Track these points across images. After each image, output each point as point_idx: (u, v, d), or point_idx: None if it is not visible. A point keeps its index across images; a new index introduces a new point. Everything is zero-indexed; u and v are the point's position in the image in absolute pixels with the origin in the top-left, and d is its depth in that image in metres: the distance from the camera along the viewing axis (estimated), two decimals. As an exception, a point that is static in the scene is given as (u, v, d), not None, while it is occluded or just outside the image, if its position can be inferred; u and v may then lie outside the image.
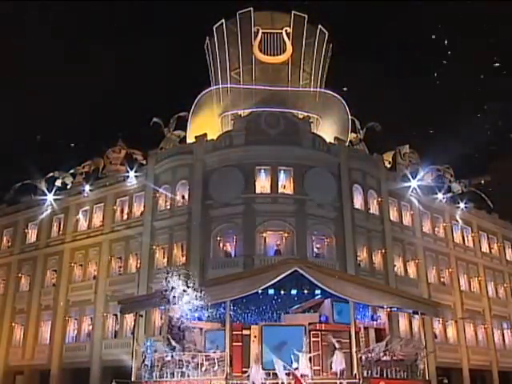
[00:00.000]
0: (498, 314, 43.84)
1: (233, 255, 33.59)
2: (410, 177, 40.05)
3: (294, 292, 25.34)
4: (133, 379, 22.70)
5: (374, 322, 25.46)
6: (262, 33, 40.34)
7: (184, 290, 21.50)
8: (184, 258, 34.38)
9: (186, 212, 34.98)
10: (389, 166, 41.54)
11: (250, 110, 37.68)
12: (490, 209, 46.55)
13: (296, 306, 25.61)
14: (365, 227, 36.32)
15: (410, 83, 57.88)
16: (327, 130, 39.08)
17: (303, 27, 40.56)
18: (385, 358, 22.32)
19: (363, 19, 75.08)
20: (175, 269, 23.33)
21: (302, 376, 20.16)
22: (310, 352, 21.22)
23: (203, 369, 21.27)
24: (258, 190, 34.55)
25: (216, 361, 21.14)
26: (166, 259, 35.18)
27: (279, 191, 34.59)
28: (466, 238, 44.52)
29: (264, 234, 33.32)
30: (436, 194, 41.47)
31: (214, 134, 37.00)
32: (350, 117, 40.72)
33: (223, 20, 40.58)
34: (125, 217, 38.81)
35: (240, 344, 22.54)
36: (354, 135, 41.47)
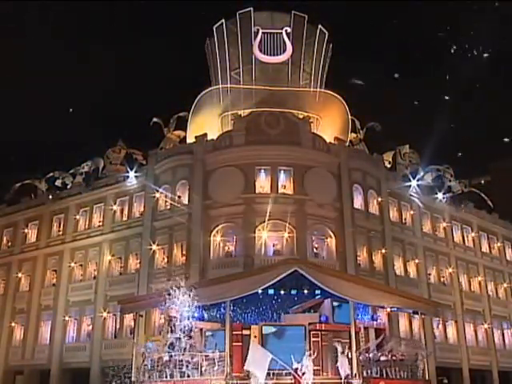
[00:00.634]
0: (497, 314, 43.84)
1: (233, 255, 33.60)
2: (410, 177, 40.08)
3: (293, 292, 25.39)
4: (133, 379, 22.71)
5: (374, 322, 25.50)
6: (262, 33, 40.30)
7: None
8: (184, 258, 34.38)
9: (185, 212, 34.96)
10: (389, 165, 41.56)
11: (250, 110, 37.66)
12: (490, 209, 46.58)
13: (296, 306, 25.64)
14: (365, 227, 36.31)
15: (409, 83, 57.86)
16: (327, 130, 39.06)
17: (303, 27, 40.55)
18: (384, 358, 22.36)
19: (363, 19, 75.06)
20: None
21: (302, 375, 20.17)
22: (311, 354, 21.15)
23: (203, 369, 21.29)
24: (257, 190, 34.54)
25: (216, 361, 21.16)
26: (166, 259, 35.21)
27: (279, 191, 34.57)
28: (465, 238, 44.52)
29: (264, 234, 33.33)
30: (436, 193, 41.48)
31: (214, 134, 37.00)
32: (349, 117, 40.70)
33: (223, 20, 40.54)
34: (125, 217, 38.80)
35: (240, 344, 22.55)
36: (353, 135, 41.47)
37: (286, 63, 40.18)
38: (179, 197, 35.81)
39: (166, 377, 21.66)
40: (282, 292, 25.46)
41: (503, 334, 43.90)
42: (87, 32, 78.98)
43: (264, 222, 33.24)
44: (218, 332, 23.24)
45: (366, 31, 76.58)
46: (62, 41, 66.08)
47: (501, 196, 49.76)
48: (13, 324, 40.95)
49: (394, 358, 22.65)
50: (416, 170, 41.27)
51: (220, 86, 39.92)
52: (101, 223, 39.56)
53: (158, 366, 22.01)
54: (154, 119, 41.02)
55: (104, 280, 37.33)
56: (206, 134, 36.76)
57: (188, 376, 21.29)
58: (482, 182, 48.97)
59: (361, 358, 21.49)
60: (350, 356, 21.39)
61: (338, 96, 40.67)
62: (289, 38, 40.33)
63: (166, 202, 36.52)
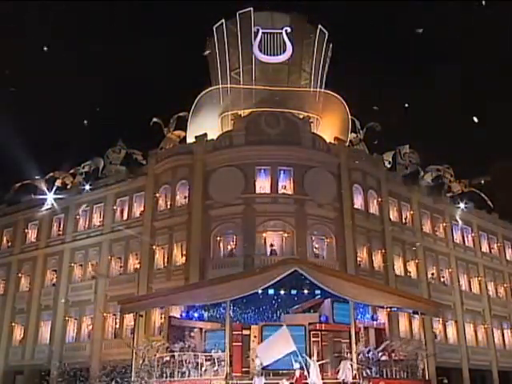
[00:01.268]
0: (497, 314, 43.82)
1: (233, 255, 33.59)
2: (410, 177, 40.09)
3: (294, 292, 25.41)
4: (133, 379, 22.72)
5: (374, 322, 25.52)
6: (262, 33, 40.27)
7: None
8: (184, 258, 34.38)
9: (185, 212, 34.96)
10: (389, 166, 41.55)
11: (250, 110, 37.66)
12: (490, 209, 46.56)
13: (296, 306, 25.66)
14: (365, 227, 36.30)
15: (410, 83, 57.89)
16: (327, 130, 39.06)
17: (303, 27, 40.54)
18: (384, 358, 22.36)
19: (363, 19, 75.05)
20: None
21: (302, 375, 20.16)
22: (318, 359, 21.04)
23: (203, 369, 21.31)
24: (257, 190, 34.53)
25: (216, 361, 21.17)
26: (166, 259, 35.21)
27: (279, 191, 34.56)
28: (465, 238, 44.49)
29: (264, 234, 33.31)
30: (436, 194, 41.45)
31: (214, 134, 36.99)
32: (349, 117, 40.70)
33: (223, 20, 40.50)
34: (125, 217, 38.80)
35: (240, 344, 22.57)
36: (353, 135, 41.44)
37: (286, 63, 40.15)
38: (183, 197, 35.66)
39: (166, 377, 21.67)
40: (282, 292, 25.47)
41: (503, 334, 43.85)
42: (87, 32, 78.98)
43: (264, 222, 33.27)
44: (218, 332, 23.25)
45: (366, 31, 76.60)
46: (61, 41, 66.03)
47: (501, 196, 49.70)
48: (13, 324, 40.97)
49: (394, 357, 22.66)
50: (416, 170, 41.35)
51: (220, 86, 39.90)
52: (101, 223, 39.57)
53: (157, 365, 22.02)
54: (154, 119, 40.98)
55: (104, 280, 37.33)
56: (205, 134, 36.76)
57: (188, 376, 21.29)
58: (482, 182, 48.84)
59: (360, 357, 21.47)
60: (352, 361, 21.21)
61: (338, 96, 40.65)
62: (289, 38, 40.28)
63: (166, 201, 36.54)
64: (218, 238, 33.94)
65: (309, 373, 20.02)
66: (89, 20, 76.92)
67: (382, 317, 28.01)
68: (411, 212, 40.40)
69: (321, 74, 41.43)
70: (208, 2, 68.26)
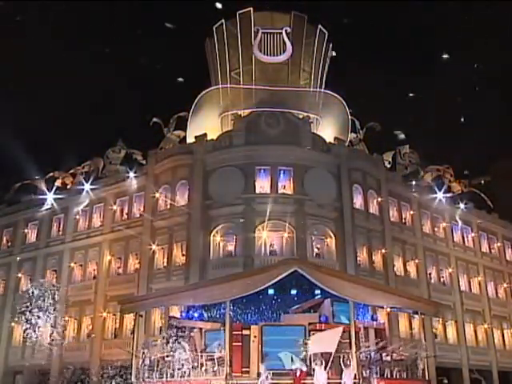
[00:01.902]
0: (497, 314, 43.82)
1: (233, 255, 33.59)
2: (411, 177, 40.09)
3: (293, 292, 25.35)
4: (133, 379, 22.69)
5: (374, 322, 25.46)
6: (262, 33, 40.31)
7: None
8: (184, 258, 34.41)
9: (185, 212, 34.97)
10: (389, 166, 41.56)
11: (250, 110, 37.68)
12: (490, 209, 46.56)
13: (296, 306, 25.59)
14: (365, 227, 36.31)
15: (410, 83, 57.86)
16: (327, 130, 39.08)
17: (303, 27, 40.54)
18: (384, 358, 22.31)
19: (363, 19, 75.02)
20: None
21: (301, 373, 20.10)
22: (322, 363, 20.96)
23: (203, 369, 21.28)
24: (257, 190, 34.55)
25: (216, 361, 21.13)
26: (165, 259, 35.21)
27: (279, 191, 34.59)
28: (465, 238, 44.50)
29: (264, 234, 33.32)
30: (436, 193, 41.47)
31: (214, 134, 37.01)
32: (349, 117, 40.72)
33: (223, 20, 40.54)
34: (125, 217, 38.82)
35: (240, 344, 22.53)
36: (353, 135, 41.47)
37: (286, 63, 40.18)
38: (183, 197, 35.64)
39: (166, 377, 21.64)
40: (282, 292, 25.43)
41: (503, 334, 43.86)
42: (87, 32, 78.97)
43: (264, 222, 33.25)
44: (218, 332, 23.21)
45: (366, 31, 76.60)
46: (61, 41, 66.07)
47: (501, 196, 49.71)
48: (13, 324, 40.93)
49: (394, 357, 22.62)
50: (416, 170, 41.32)
51: (220, 86, 39.94)
52: (101, 223, 39.57)
53: (157, 365, 21.99)
54: (154, 119, 41.02)
55: (104, 280, 37.33)
56: (205, 134, 36.77)
57: (188, 376, 21.26)
58: (482, 182, 48.90)
59: (361, 357, 21.42)
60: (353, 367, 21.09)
61: (338, 96, 40.69)
62: (289, 38, 40.33)
63: (166, 201, 36.54)
64: (218, 238, 33.96)
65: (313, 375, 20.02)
66: (89, 20, 76.97)
67: (382, 317, 27.98)
68: (411, 212, 40.43)
69: (321, 74, 41.45)
70: (208, 2, 68.25)
